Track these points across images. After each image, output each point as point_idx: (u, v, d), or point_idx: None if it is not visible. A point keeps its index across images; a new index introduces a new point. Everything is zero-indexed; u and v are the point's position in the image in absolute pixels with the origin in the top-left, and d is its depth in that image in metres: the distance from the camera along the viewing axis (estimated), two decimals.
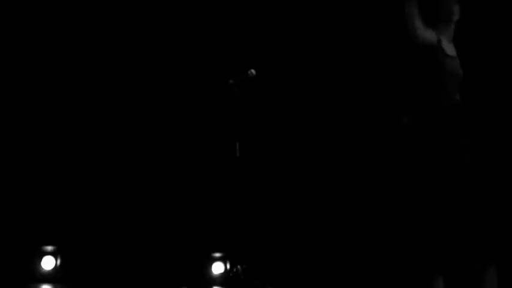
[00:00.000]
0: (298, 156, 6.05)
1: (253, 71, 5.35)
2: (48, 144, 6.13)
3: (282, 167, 6.05)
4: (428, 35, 4.64)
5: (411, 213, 4.55)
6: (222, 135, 5.72)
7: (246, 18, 6.14)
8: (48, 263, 5.95)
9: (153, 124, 6.16)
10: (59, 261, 5.97)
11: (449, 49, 4.68)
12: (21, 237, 6.00)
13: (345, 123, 5.99)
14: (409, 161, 4.72)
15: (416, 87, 4.72)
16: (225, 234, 5.63)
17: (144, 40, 6.16)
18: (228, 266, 5.77)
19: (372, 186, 5.84)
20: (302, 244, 5.90)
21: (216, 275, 5.89)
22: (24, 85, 6.14)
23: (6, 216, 6.02)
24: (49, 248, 5.97)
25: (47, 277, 5.92)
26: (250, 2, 6.16)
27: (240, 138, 5.34)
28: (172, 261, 5.95)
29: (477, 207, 4.52)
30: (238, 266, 5.19)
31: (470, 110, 4.58)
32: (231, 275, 5.23)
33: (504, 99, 5.44)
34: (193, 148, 6.12)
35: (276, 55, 6.07)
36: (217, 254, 5.93)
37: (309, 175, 6.01)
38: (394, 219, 5.50)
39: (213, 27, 6.17)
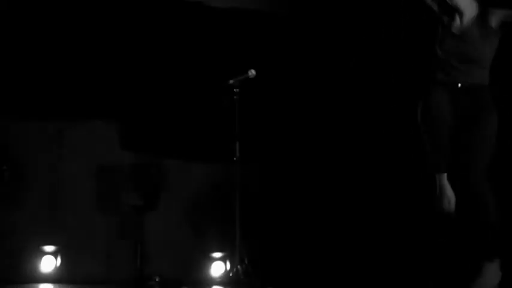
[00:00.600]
0: (298, 155, 6.05)
1: (253, 71, 5.36)
2: (47, 144, 6.13)
3: (282, 166, 6.05)
4: None
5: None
6: (222, 135, 5.72)
7: (246, 19, 6.14)
8: (48, 263, 5.96)
9: (153, 124, 6.16)
10: (59, 261, 5.98)
11: (460, 27, 4.50)
12: (21, 237, 6.00)
13: (345, 123, 5.99)
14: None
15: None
16: (225, 234, 5.63)
17: (144, 40, 6.16)
18: (228, 266, 5.77)
19: (372, 186, 5.84)
20: (302, 244, 5.90)
21: (216, 275, 5.90)
22: (24, 86, 6.14)
23: (5, 216, 6.02)
24: (49, 248, 5.98)
25: (47, 277, 5.92)
26: (250, 3, 6.17)
27: (240, 138, 5.35)
28: (172, 261, 5.96)
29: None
30: (238, 266, 5.20)
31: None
32: (231, 275, 5.24)
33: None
34: (193, 148, 6.12)
35: (275, 55, 6.07)
36: (217, 254, 5.94)
37: (309, 175, 6.01)
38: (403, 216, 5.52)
39: (213, 27, 6.17)
